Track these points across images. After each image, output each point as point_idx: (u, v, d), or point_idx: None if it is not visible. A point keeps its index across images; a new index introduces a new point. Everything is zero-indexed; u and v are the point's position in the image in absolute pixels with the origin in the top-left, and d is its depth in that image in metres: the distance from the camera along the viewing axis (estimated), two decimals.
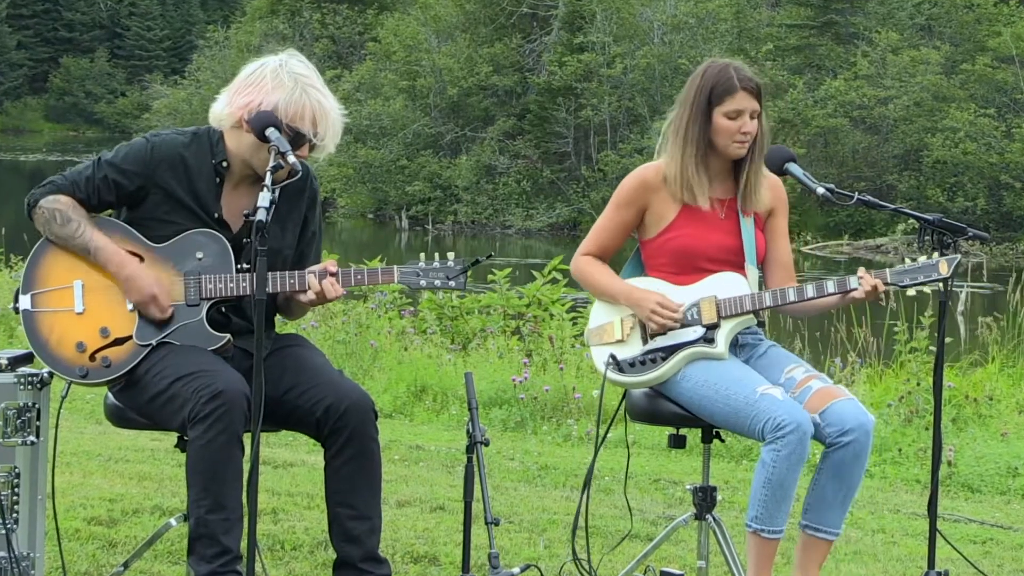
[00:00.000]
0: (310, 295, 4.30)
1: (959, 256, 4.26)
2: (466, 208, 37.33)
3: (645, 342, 4.56)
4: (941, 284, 4.33)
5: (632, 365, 4.55)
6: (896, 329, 9.12)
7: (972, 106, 33.99)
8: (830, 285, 4.45)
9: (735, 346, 4.59)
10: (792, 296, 4.47)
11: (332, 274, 4.31)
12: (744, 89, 4.52)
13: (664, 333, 4.52)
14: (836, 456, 4.32)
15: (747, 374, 4.45)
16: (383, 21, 44.43)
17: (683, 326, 4.52)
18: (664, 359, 4.51)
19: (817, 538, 4.44)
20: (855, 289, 4.43)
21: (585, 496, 4.61)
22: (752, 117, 4.53)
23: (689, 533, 5.46)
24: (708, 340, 4.50)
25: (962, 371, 9.29)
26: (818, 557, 4.46)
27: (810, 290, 4.46)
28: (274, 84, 4.27)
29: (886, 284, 4.36)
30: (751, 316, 4.56)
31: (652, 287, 4.62)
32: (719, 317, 4.50)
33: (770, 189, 4.66)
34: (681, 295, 4.57)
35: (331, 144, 4.34)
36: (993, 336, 9.68)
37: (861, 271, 4.43)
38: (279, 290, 4.34)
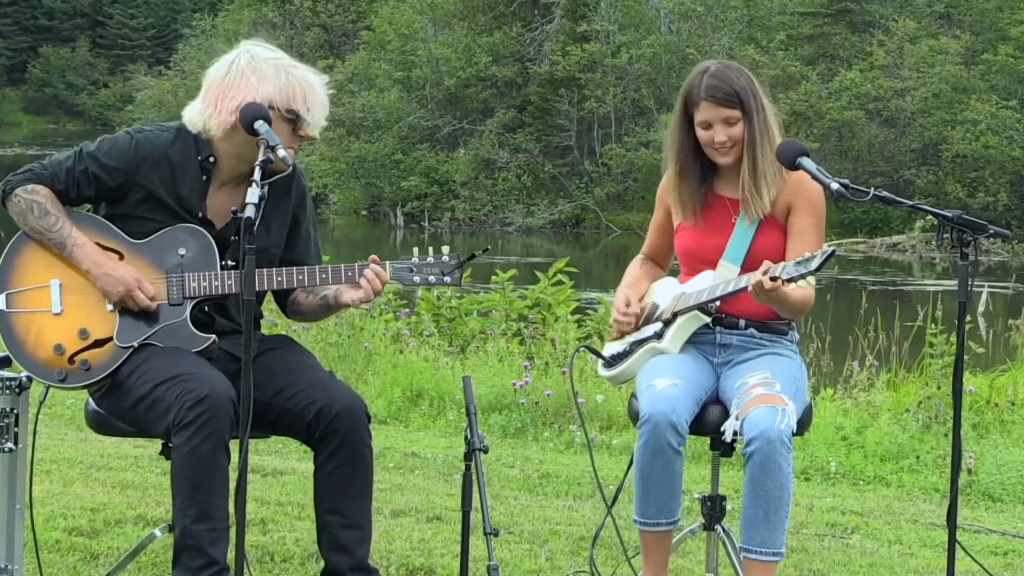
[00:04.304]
0: (357, 293, 4.24)
1: (832, 249, 4.19)
2: (464, 204, 37.20)
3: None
4: (962, 287, 4.14)
5: (614, 360, 4.67)
6: (927, 333, 9.04)
7: (993, 98, 33.94)
8: (743, 280, 4.37)
9: (719, 346, 4.53)
10: (719, 291, 4.43)
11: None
12: (708, 99, 4.43)
13: (632, 332, 4.64)
14: (747, 468, 4.26)
15: (662, 368, 4.43)
16: (377, 9, 44.10)
17: (651, 322, 4.61)
18: (628, 355, 4.63)
19: (750, 559, 4.31)
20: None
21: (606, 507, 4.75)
22: (729, 124, 4.44)
23: (697, 544, 5.38)
24: (658, 336, 4.57)
25: (974, 372, 9.14)
26: None
27: (731, 286, 4.41)
28: (258, 78, 4.21)
29: (773, 279, 4.22)
30: (702, 313, 4.51)
31: (663, 286, 4.69)
32: (672, 314, 4.54)
33: (788, 184, 4.50)
34: (678, 292, 4.60)
35: (321, 117, 4.28)
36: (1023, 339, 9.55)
37: (764, 265, 4.28)
38: (265, 288, 4.28)
